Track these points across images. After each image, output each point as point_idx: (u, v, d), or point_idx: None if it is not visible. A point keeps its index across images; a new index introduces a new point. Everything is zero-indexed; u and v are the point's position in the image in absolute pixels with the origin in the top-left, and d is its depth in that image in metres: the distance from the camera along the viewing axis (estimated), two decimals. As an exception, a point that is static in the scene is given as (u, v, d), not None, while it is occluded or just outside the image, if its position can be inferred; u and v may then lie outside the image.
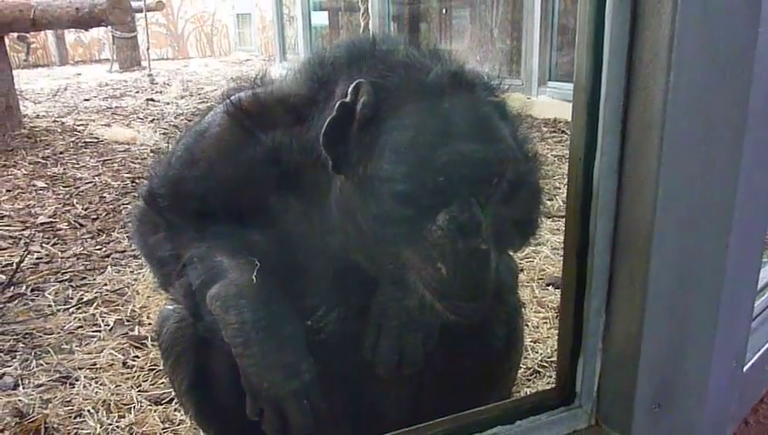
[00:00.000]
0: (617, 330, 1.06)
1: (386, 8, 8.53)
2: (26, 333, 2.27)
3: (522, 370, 1.91)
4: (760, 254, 1.19)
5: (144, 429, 1.74)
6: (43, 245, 3.12)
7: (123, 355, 2.12)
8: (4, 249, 3.07)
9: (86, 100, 7.87)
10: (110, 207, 3.73)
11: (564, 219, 1.12)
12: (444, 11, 8.17)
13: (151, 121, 6.45)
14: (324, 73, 1.13)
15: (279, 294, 1.13)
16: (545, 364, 2.02)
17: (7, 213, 3.58)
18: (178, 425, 1.75)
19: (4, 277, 2.70)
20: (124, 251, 3.06)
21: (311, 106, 1.12)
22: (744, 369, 1.28)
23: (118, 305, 2.50)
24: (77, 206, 3.74)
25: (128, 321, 2.37)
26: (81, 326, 2.33)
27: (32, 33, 8.82)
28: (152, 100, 7.80)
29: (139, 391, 1.91)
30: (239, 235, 1.18)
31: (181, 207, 1.21)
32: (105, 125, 6.12)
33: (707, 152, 0.95)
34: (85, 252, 3.05)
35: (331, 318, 1.19)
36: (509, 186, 1.06)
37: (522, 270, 2.63)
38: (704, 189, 0.97)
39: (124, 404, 1.85)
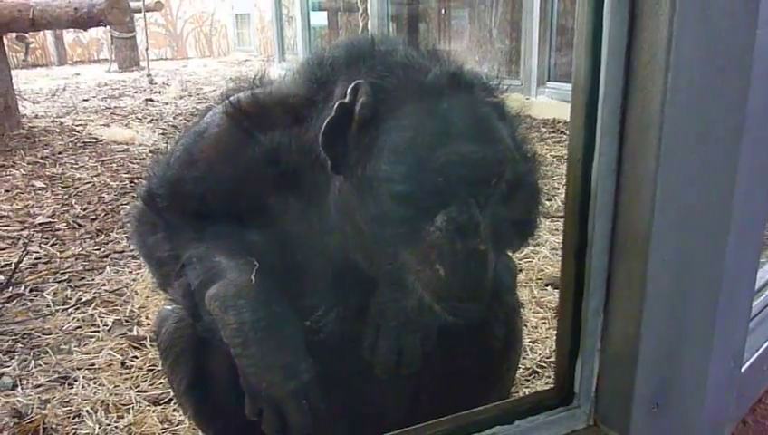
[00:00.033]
0: (615, 330, 1.06)
1: (385, 8, 8.52)
2: (25, 334, 2.26)
3: (520, 370, 1.91)
4: (758, 254, 1.19)
5: (143, 429, 1.74)
6: (42, 245, 3.12)
7: (122, 355, 2.11)
8: (3, 249, 3.07)
9: (85, 100, 7.87)
10: (109, 207, 3.73)
11: (563, 220, 1.12)
12: (443, 11, 8.17)
13: (150, 122, 6.44)
14: (323, 74, 1.13)
15: (278, 295, 1.13)
16: (544, 365, 2.02)
17: (6, 213, 3.58)
18: (177, 425, 1.75)
19: (2, 278, 2.70)
20: (123, 251, 3.06)
21: (309, 107, 1.12)
22: (742, 369, 1.29)
23: (116, 306, 2.50)
24: (76, 206, 3.74)
25: (126, 321, 2.37)
26: (79, 326, 2.33)
27: (30, 33, 8.79)
28: (151, 100, 7.79)
29: (137, 391, 1.91)
30: (238, 235, 1.18)
31: (180, 208, 1.21)
32: (104, 125, 6.12)
33: (705, 153, 0.96)
34: (84, 252, 3.05)
35: (330, 318, 1.19)
36: (508, 186, 1.06)
37: (520, 270, 2.63)
38: (702, 190, 0.98)
39: (123, 404, 1.85)
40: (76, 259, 2.97)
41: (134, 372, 2.02)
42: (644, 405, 1.07)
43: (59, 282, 2.72)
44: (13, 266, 2.77)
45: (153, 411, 1.81)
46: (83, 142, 5.39)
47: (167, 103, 7.62)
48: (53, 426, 1.74)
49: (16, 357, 2.10)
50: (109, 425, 1.75)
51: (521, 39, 6.89)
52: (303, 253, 1.19)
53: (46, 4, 5.75)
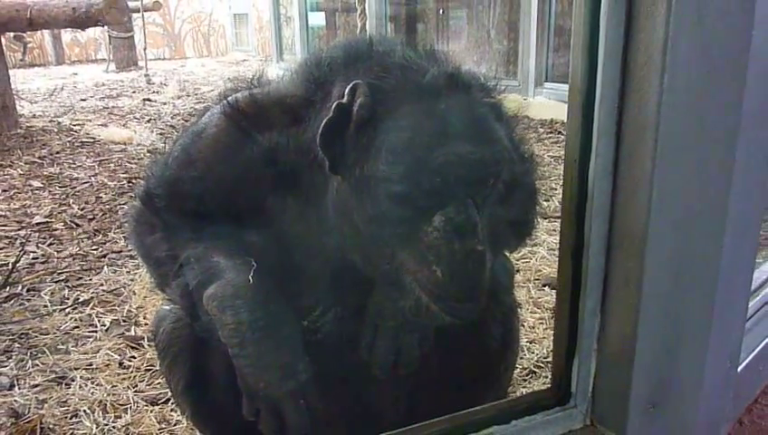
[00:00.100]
0: (612, 330, 1.07)
1: (383, 9, 8.52)
2: (22, 334, 2.26)
3: (518, 370, 1.91)
4: (754, 254, 1.20)
5: (140, 429, 1.74)
6: (39, 245, 3.12)
7: (119, 355, 2.11)
8: (0, 249, 3.06)
9: (82, 100, 7.86)
10: (107, 207, 3.72)
11: (560, 220, 1.12)
12: (441, 12, 8.17)
13: (148, 121, 6.44)
14: (321, 74, 1.14)
15: (276, 295, 1.13)
16: (541, 365, 2.03)
17: (3, 213, 3.57)
18: (175, 425, 1.75)
19: (-1, 277, 2.70)
20: (120, 251, 3.05)
21: (307, 107, 1.12)
22: (739, 369, 1.29)
23: (114, 306, 2.50)
24: (73, 206, 3.73)
25: (124, 321, 2.37)
26: (77, 326, 2.33)
27: (28, 32, 8.80)
28: (149, 100, 7.79)
29: (135, 391, 1.91)
30: (236, 235, 1.18)
31: (178, 208, 1.21)
32: (102, 125, 6.11)
33: (701, 154, 0.96)
34: (81, 252, 3.04)
35: (328, 318, 1.19)
36: (505, 187, 1.07)
37: (518, 271, 2.63)
38: (698, 191, 0.98)
39: (120, 404, 1.84)
40: (74, 259, 2.96)
41: (132, 371, 2.02)
42: (640, 405, 1.07)
43: (56, 282, 2.72)
44: (10, 266, 2.76)
45: (151, 411, 1.81)
46: (81, 142, 5.38)
47: (164, 103, 7.61)
48: (51, 426, 1.74)
49: (13, 357, 2.10)
50: (106, 425, 1.75)
51: (519, 40, 6.90)
52: (301, 253, 1.19)
53: (44, 3, 5.75)
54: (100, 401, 1.85)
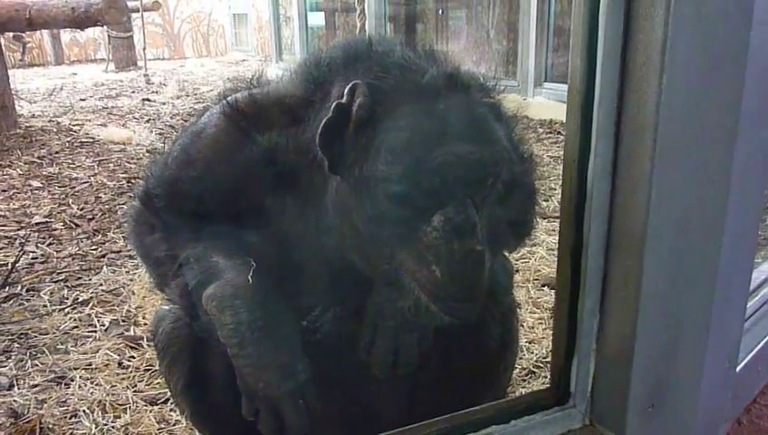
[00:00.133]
0: (611, 330, 1.07)
1: (382, 9, 8.52)
2: (21, 334, 2.26)
3: (517, 370, 1.91)
4: (752, 254, 1.20)
5: (140, 429, 1.74)
6: (39, 245, 3.12)
7: (119, 355, 2.11)
8: (0, 249, 3.06)
9: (82, 99, 7.85)
10: (106, 207, 3.72)
11: (559, 220, 1.13)
12: (440, 12, 8.18)
13: (147, 121, 6.44)
14: (320, 74, 1.14)
15: (275, 295, 1.13)
16: (540, 365, 2.03)
17: (2, 213, 3.57)
18: (174, 425, 1.75)
19: (-1, 277, 2.70)
20: (120, 251, 3.05)
21: (307, 107, 1.12)
22: (737, 369, 1.29)
23: (113, 306, 2.49)
24: (72, 206, 3.73)
25: (123, 321, 2.37)
26: (76, 326, 2.33)
27: (27, 32, 8.80)
28: (148, 100, 7.78)
29: (134, 391, 1.91)
30: (235, 235, 1.18)
31: (177, 208, 1.21)
32: (101, 125, 6.11)
33: (700, 154, 0.96)
34: (81, 252, 3.04)
35: (327, 318, 1.19)
36: (504, 187, 1.07)
37: (517, 271, 2.63)
38: (697, 191, 0.98)
39: (120, 404, 1.84)
40: (73, 259, 2.96)
41: (131, 371, 2.02)
42: (639, 405, 1.07)
43: (56, 282, 2.71)
44: (9, 266, 2.76)
45: (150, 411, 1.81)
46: (80, 142, 5.38)
47: (164, 103, 7.61)
48: (50, 426, 1.73)
49: (13, 357, 2.10)
50: (105, 425, 1.75)
51: (518, 40, 6.90)
52: (301, 253, 1.19)
53: (43, 3, 5.75)
54: (100, 401, 1.84)
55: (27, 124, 5.88)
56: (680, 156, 0.95)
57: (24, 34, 9.56)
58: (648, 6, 0.89)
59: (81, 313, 2.43)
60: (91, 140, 5.45)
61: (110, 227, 3.38)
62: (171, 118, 6.59)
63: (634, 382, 1.05)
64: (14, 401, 1.83)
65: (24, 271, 2.81)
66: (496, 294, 1.28)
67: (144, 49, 10.08)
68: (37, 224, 3.42)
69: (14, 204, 3.74)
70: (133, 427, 1.74)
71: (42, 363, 2.06)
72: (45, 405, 1.83)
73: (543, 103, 6.40)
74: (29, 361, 2.07)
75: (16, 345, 2.18)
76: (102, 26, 8.03)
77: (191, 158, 1.21)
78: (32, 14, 5.62)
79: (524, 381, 1.97)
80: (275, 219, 1.18)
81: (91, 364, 2.06)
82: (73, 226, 3.41)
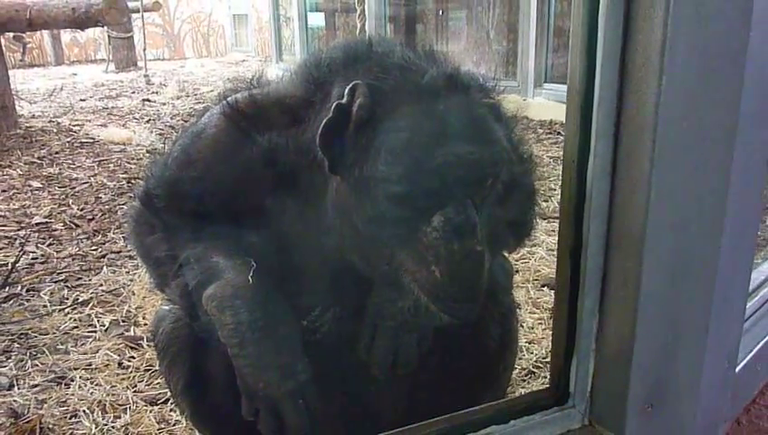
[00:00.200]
0: (610, 331, 1.07)
1: (382, 10, 8.52)
2: (21, 334, 2.26)
3: (517, 370, 1.91)
4: (752, 255, 1.20)
5: (140, 429, 1.74)
6: (39, 245, 3.12)
7: (119, 356, 2.11)
8: (0, 249, 3.06)
9: (82, 100, 7.85)
10: (106, 207, 3.72)
11: (558, 221, 1.13)
12: (440, 12, 8.18)
13: (147, 122, 6.44)
14: (320, 75, 1.14)
15: (275, 295, 1.13)
16: (540, 365, 2.03)
17: (3, 213, 3.57)
18: (174, 425, 1.75)
19: (-1, 278, 2.70)
20: (120, 251, 3.05)
21: (307, 107, 1.12)
22: (737, 369, 1.30)
23: (113, 306, 2.50)
24: (72, 206, 3.73)
25: (123, 321, 2.37)
26: (76, 327, 2.33)
27: (28, 32, 8.79)
28: (148, 100, 7.78)
29: (134, 391, 1.91)
30: (235, 235, 1.18)
31: (178, 208, 1.21)
32: (101, 125, 6.11)
33: (699, 154, 0.96)
34: (81, 252, 3.04)
35: (327, 318, 1.19)
36: (504, 187, 1.07)
37: (517, 271, 2.63)
38: (696, 191, 0.98)
39: (120, 405, 1.85)
40: (73, 259, 2.96)
41: (131, 372, 2.02)
42: (638, 405, 1.07)
43: (56, 282, 2.72)
44: (9, 266, 2.77)
45: (150, 412, 1.81)
46: (80, 142, 5.38)
47: (164, 104, 7.61)
48: (50, 426, 1.74)
49: (13, 357, 2.10)
50: (105, 425, 1.75)
51: (518, 40, 6.90)
52: (301, 253, 1.19)
53: (44, 3, 5.75)
54: (100, 401, 1.85)
55: (27, 124, 5.88)
56: (679, 156, 0.95)
57: (24, 35, 9.56)
58: (647, 7, 0.90)
59: (81, 313, 2.44)
60: (92, 141, 5.45)
61: (111, 228, 3.38)
62: (171, 118, 6.60)
63: (633, 382, 1.05)
64: (15, 401, 1.84)
65: (25, 271, 2.81)
66: (496, 294, 1.28)
67: (144, 49, 10.08)
68: (37, 224, 3.42)
69: (14, 204, 3.74)
70: (133, 427, 1.75)
71: (42, 363, 2.06)
72: (45, 405, 1.83)
73: (543, 104, 6.40)
74: (29, 361, 2.08)
75: (16, 345, 2.18)
76: (103, 27, 8.02)
77: (191, 158, 1.22)
78: (32, 14, 5.63)
79: (524, 381, 1.97)
80: (276, 220, 1.18)
81: (91, 364, 2.06)
82: (73, 226, 3.42)
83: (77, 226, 3.42)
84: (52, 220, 3.49)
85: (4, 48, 5.73)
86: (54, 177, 4.35)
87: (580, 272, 1.06)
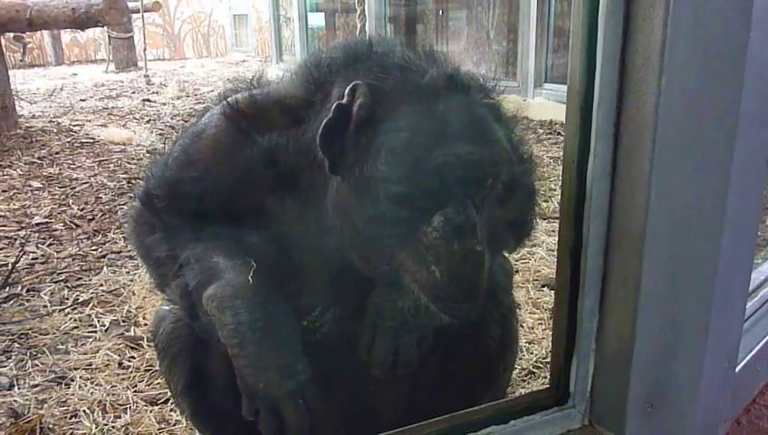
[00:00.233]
0: (610, 331, 1.07)
1: (382, 10, 8.53)
2: (22, 334, 2.26)
3: (517, 370, 1.91)
4: (752, 255, 1.20)
5: (140, 429, 1.74)
6: (39, 245, 3.12)
7: (119, 356, 2.12)
8: (0, 249, 3.06)
9: (82, 100, 7.86)
10: (106, 207, 3.72)
11: (558, 221, 1.13)
12: (440, 13, 8.18)
13: (147, 122, 6.44)
14: (321, 75, 1.14)
15: (275, 295, 1.13)
16: (540, 365, 2.03)
17: (3, 213, 3.57)
18: (174, 425, 1.75)
19: (-1, 278, 2.71)
20: (120, 252, 3.05)
21: (307, 108, 1.12)
22: (737, 369, 1.29)
23: (114, 306, 2.50)
24: (73, 206, 3.74)
25: (124, 321, 2.37)
26: (76, 327, 2.33)
27: (28, 33, 8.80)
28: (148, 100, 7.79)
29: (134, 391, 1.91)
30: (236, 236, 1.18)
31: (178, 208, 1.21)
32: (101, 126, 6.11)
33: (700, 154, 0.96)
34: (81, 252, 3.05)
35: (327, 318, 1.19)
36: (504, 187, 1.07)
37: (517, 271, 2.64)
38: (696, 191, 0.98)
39: (120, 405, 1.85)
40: (73, 259, 2.96)
41: (131, 372, 2.02)
42: (639, 405, 1.07)
43: (56, 282, 2.72)
44: (9, 267, 2.77)
45: (150, 412, 1.81)
46: (80, 143, 5.38)
47: (164, 104, 7.61)
48: (50, 426, 1.74)
49: (13, 357, 2.10)
50: (106, 425, 1.75)
51: (518, 41, 6.90)
52: (301, 253, 1.19)
53: (44, 4, 5.76)
54: (100, 401, 1.85)
55: (27, 125, 5.88)
56: (679, 156, 0.95)
57: (24, 35, 9.56)
58: (647, 7, 0.90)
59: (81, 313, 2.44)
60: (92, 141, 5.46)
61: (111, 228, 3.38)
62: (171, 118, 6.60)
63: (633, 382, 1.05)
64: (15, 400, 1.84)
65: (25, 271, 2.81)
66: (496, 294, 1.28)
67: (144, 50, 10.09)
68: (37, 224, 3.42)
69: (14, 204, 3.75)
70: (133, 427, 1.75)
71: (42, 363, 2.06)
72: (45, 405, 1.83)
73: (543, 104, 6.40)
74: (29, 361, 2.08)
75: (17, 345, 2.18)
76: (103, 27, 8.04)
77: (191, 158, 1.22)
78: (32, 14, 5.63)
79: (524, 381, 1.97)
80: (276, 220, 1.18)
81: (91, 364, 2.06)
82: (74, 226, 3.42)
83: (77, 226, 3.42)
84: (53, 220, 3.50)
85: (4, 48, 5.73)
86: (55, 177, 4.35)
87: (580, 272, 1.06)
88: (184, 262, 1.17)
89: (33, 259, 2.95)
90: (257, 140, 1.15)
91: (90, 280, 2.74)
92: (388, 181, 0.98)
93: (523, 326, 2.21)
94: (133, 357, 2.11)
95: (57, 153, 5.00)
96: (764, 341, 1.53)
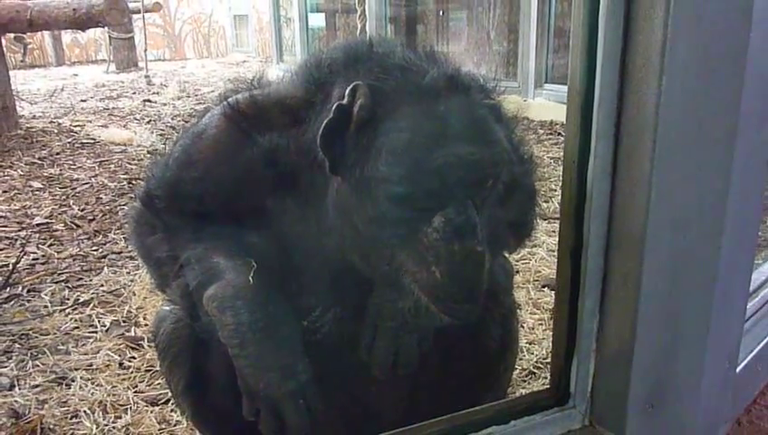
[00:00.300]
0: (610, 331, 1.07)
1: (383, 10, 8.53)
2: (22, 334, 2.26)
3: (517, 371, 1.91)
4: (752, 255, 1.20)
5: (140, 429, 1.74)
6: (40, 246, 3.12)
7: (120, 356, 2.12)
8: (1, 250, 3.06)
9: (83, 101, 7.85)
10: (107, 208, 3.72)
11: (559, 221, 1.13)
12: (441, 13, 8.18)
13: (148, 122, 6.44)
14: (321, 76, 1.14)
15: (276, 296, 1.13)
16: (540, 365, 2.03)
17: (3, 214, 3.58)
18: (175, 426, 1.75)
19: (0, 278, 2.70)
20: (120, 252, 3.06)
21: (308, 108, 1.12)
22: (737, 370, 1.29)
23: (114, 306, 2.50)
24: (73, 207, 3.74)
25: (124, 322, 2.37)
26: (77, 327, 2.33)
27: (28, 33, 8.80)
28: (149, 101, 7.79)
29: (135, 391, 1.91)
30: (236, 236, 1.18)
31: (178, 209, 1.21)
32: (102, 126, 6.11)
33: (700, 155, 0.97)
34: (81, 253, 3.05)
35: (328, 319, 1.19)
36: (504, 188, 1.07)
37: (517, 272, 2.64)
38: (696, 191, 0.98)
39: (120, 405, 1.85)
40: (74, 260, 2.96)
41: (132, 372, 2.02)
42: (639, 405, 1.07)
43: (56, 282, 2.72)
44: (10, 267, 2.77)
45: (151, 412, 1.81)
46: (81, 143, 5.38)
47: (165, 104, 7.61)
48: (51, 426, 1.74)
49: (14, 357, 2.10)
50: (106, 425, 1.75)
51: (518, 41, 6.90)
52: (301, 254, 1.19)
53: (44, 4, 5.76)
54: (101, 402, 1.85)
55: (28, 125, 5.88)
56: (680, 157, 0.95)
57: (25, 35, 9.56)
58: (647, 8, 0.90)
59: (81, 313, 2.44)
60: (92, 141, 5.46)
61: (111, 228, 3.38)
62: (172, 119, 6.59)
63: (634, 383, 1.05)
64: (15, 401, 1.84)
65: (25, 272, 2.81)
66: (497, 294, 1.28)
67: (145, 50, 10.08)
68: (38, 225, 3.42)
69: (14, 205, 3.75)
70: (134, 427, 1.75)
71: (42, 364, 2.06)
72: (46, 405, 1.83)
73: (544, 104, 6.40)
74: (30, 361, 2.08)
75: (17, 346, 2.18)
76: (103, 27, 8.05)
77: (192, 159, 1.22)
78: (33, 15, 5.64)
79: (524, 381, 1.97)
80: (276, 220, 1.18)
81: (91, 365, 2.06)
82: (74, 226, 3.42)
83: (78, 226, 3.42)
84: (53, 221, 3.50)
85: (4, 49, 5.73)
86: (55, 177, 4.35)
87: (580, 272, 1.06)
88: (184, 262, 1.17)
89: (33, 260, 2.95)
90: (258, 140, 1.15)
91: (90, 280, 2.74)
92: (389, 182, 0.98)
93: (523, 327, 2.21)
94: (134, 357, 2.11)
95: (58, 154, 5.00)
96: (765, 341, 1.53)
